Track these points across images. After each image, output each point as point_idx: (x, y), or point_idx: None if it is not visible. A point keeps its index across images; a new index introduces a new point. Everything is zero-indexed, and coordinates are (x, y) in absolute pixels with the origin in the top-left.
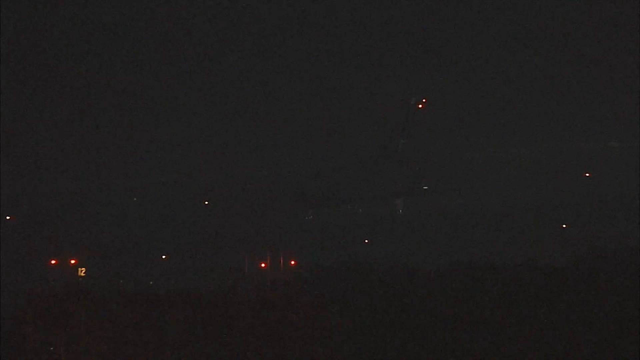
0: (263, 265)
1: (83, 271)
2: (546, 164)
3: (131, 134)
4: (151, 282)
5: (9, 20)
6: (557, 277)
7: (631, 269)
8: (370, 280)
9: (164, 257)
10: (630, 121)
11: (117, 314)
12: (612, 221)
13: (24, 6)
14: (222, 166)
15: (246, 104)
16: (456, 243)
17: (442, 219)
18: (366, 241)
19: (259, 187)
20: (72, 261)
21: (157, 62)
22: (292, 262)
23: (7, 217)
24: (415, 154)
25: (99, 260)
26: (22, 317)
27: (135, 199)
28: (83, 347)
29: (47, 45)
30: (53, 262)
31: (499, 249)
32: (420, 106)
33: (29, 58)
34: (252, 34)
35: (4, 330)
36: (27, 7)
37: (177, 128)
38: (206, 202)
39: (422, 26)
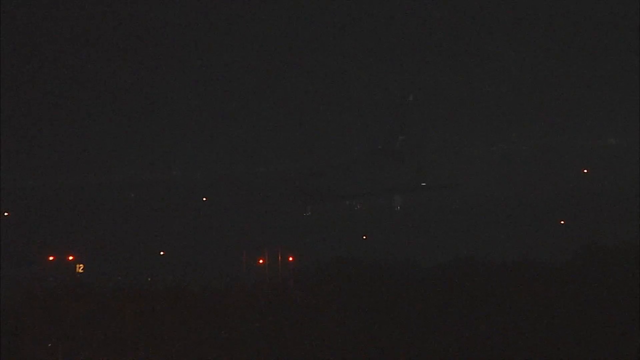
0: (261, 261)
1: (81, 267)
2: (544, 160)
3: (129, 130)
4: (149, 278)
5: (8, 19)
6: (555, 273)
7: (629, 265)
8: (368, 276)
9: (162, 253)
10: (629, 118)
11: (115, 310)
12: (610, 217)
13: (24, 6)
14: (221, 162)
15: (244, 101)
16: (454, 239)
17: (440, 215)
18: (364, 237)
19: (257, 183)
20: (70, 257)
21: (156, 58)
22: (290, 258)
23: (5, 214)
24: (413, 150)
25: (97, 256)
26: (20, 313)
27: (133, 195)
28: (81, 343)
29: (45, 41)
30: (51, 258)
31: (496, 244)
32: (418, 103)
33: (27, 53)
34: (251, 31)
35: (2, 326)
36: (26, 6)
37: (175, 124)
38: (204, 199)
39: (420, 23)
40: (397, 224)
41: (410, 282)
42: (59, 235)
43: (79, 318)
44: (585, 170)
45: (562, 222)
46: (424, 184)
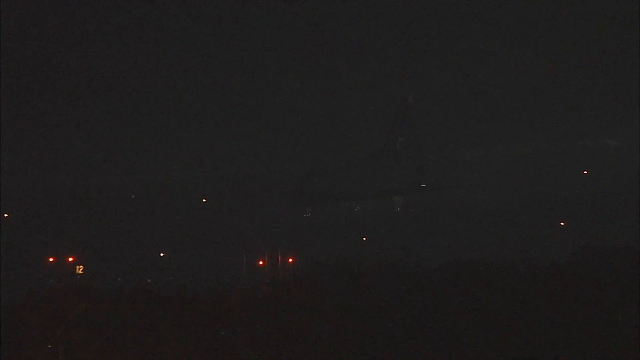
0: (261, 262)
1: (81, 269)
2: (543, 161)
3: (129, 131)
4: (149, 280)
5: (8, 20)
6: (554, 274)
7: (628, 266)
8: (368, 278)
9: (161, 254)
10: (628, 119)
11: (115, 312)
12: (609, 218)
13: (24, 6)
14: (220, 163)
15: (244, 101)
16: (454, 240)
17: (440, 216)
18: (364, 238)
19: (257, 184)
20: (70, 259)
21: (155, 59)
22: (290, 260)
23: (5, 215)
24: (413, 151)
25: (97, 257)
26: (20, 315)
27: (133, 196)
28: (81, 344)
29: (45, 42)
30: (51, 259)
31: (496, 245)
32: (418, 104)
33: (27, 53)
34: (251, 31)
35: (3, 327)
36: (26, 6)
37: (175, 124)
38: (204, 200)
39: (420, 24)
40: (397, 225)
41: (410, 283)
42: (59, 236)
43: (79, 319)
44: (585, 172)
45: (562, 222)
46: (424, 185)
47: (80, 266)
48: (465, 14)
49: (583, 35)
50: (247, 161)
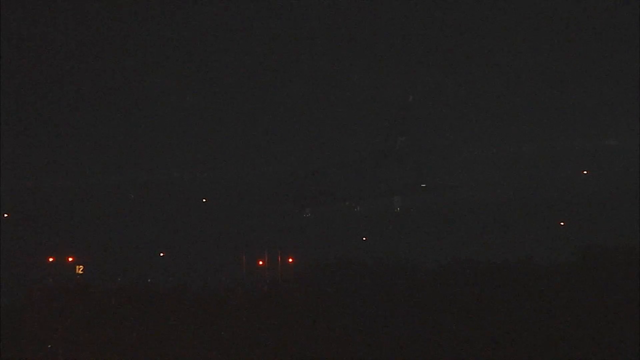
0: (261, 262)
1: (81, 268)
2: (544, 161)
3: (129, 131)
4: (149, 280)
5: (8, 20)
6: (554, 274)
7: (629, 266)
8: (368, 278)
9: (161, 254)
10: (628, 119)
11: (115, 311)
12: (610, 218)
13: (24, 6)
14: (221, 163)
15: (244, 102)
16: (454, 240)
17: (440, 217)
18: (364, 239)
19: (257, 184)
20: (70, 258)
21: (155, 59)
22: (290, 260)
23: (5, 215)
24: (413, 151)
25: (96, 257)
26: (20, 315)
27: (132, 195)
28: (81, 344)
29: (45, 42)
30: (51, 259)
31: (496, 246)
32: (417, 104)
33: (27, 53)
34: (251, 31)
35: (3, 327)
36: (26, 7)
37: (175, 124)
38: (204, 200)
39: (420, 24)
40: (396, 225)
41: (410, 284)
42: (58, 236)
43: (78, 319)
44: (585, 172)
45: (562, 223)
46: (423, 185)
47: (80, 266)
48: (466, 14)
49: (583, 35)
50: (247, 161)
